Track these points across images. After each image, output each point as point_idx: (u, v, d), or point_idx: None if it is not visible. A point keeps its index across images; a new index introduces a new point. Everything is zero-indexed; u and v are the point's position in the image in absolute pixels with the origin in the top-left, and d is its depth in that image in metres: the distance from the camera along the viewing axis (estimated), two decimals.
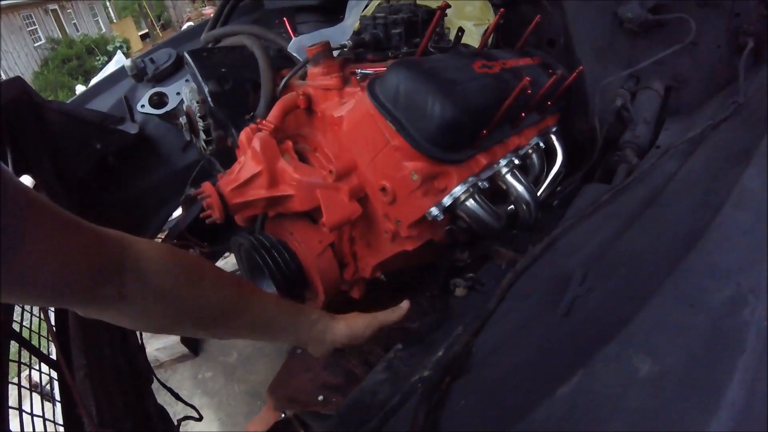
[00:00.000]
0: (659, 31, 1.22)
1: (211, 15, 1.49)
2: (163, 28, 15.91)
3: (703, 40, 1.18)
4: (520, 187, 0.85)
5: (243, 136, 0.93)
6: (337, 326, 0.71)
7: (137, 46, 13.62)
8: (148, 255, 0.54)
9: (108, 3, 19.19)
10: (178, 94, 1.44)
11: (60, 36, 14.07)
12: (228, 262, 2.17)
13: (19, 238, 0.40)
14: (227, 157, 1.10)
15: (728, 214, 0.67)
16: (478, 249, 0.95)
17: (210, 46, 1.37)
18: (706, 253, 0.61)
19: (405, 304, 0.76)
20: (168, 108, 1.45)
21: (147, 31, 16.16)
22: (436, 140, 0.73)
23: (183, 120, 1.19)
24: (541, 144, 0.99)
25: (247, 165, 0.90)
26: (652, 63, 1.18)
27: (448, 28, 1.04)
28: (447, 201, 0.76)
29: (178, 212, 1.72)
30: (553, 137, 1.05)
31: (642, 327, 0.54)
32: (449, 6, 0.85)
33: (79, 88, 6.57)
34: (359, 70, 0.90)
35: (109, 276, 0.50)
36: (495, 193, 0.88)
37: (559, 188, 1.06)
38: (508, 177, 0.85)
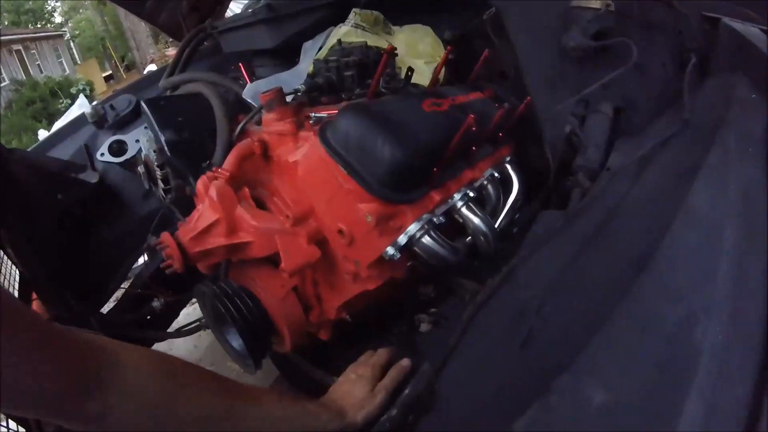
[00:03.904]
0: (605, 56, 1.25)
1: None
2: (127, 69, 15.88)
3: (649, 59, 1.22)
4: (476, 219, 0.87)
5: (200, 184, 0.93)
6: (352, 422, 0.71)
7: (101, 88, 13.54)
8: (131, 365, 0.52)
9: (72, 44, 19.09)
10: (137, 141, 1.43)
11: (24, 77, 13.88)
12: (196, 309, 2.13)
13: None
14: (188, 204, 1.09)
15: (676, 234, 0.67)
16: (441, 282, 0.97)
17: (168, 93, 1.37)
18: (656, 275, 0.62)
19: (405, 362, 0.79)
20: (128, 156, 1.44)
21: (111, 72, 16.09)
22: (388, 182, 0.74)
23: (141, 169, 1.18)
24: (496, 174, 1.01)
25: (204, 214, 0.90)
26: (600, 87, 1.22)
27: (400, 68, 1.07)
28: (402, 240, 0.77)
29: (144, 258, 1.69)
30: (509, 167, 1.08)
31: (595, 355, 0.54)
32: (395, 49, 0.88)
33: (42, 133, 6.46)
34: (313, 114, 0.92)
35: (91, 392, 0.47)
36: (454, 227, 0.90)
37: (518, 216, 1.08)
38: (464, 210, 0.86)
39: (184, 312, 1.65)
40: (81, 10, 21.90)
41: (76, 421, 0.49)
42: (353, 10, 1.21)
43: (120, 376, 0.50)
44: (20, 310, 0.43)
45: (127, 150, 1.46)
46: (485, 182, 0.98)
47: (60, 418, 0.48)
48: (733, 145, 0.87)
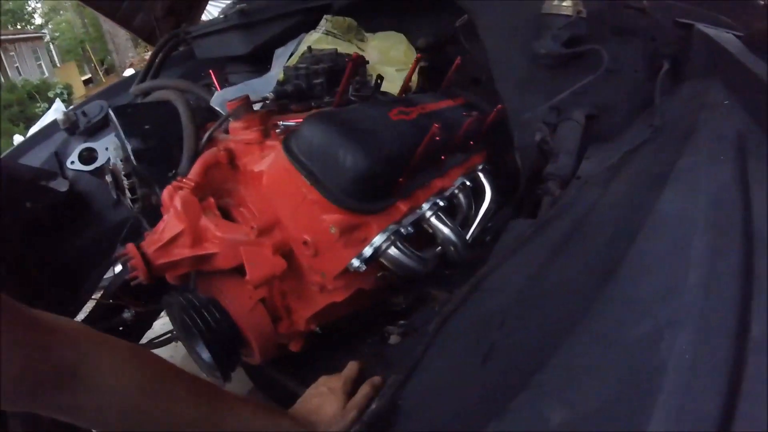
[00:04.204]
0: (577, 63, 1.24)
1: None
2: (107, 73, 15.66)
3: (621, 66, 1.21)
4: (445, 229, 0.86)
5: (165, 194, 0.91)
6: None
7: (80, 91, 13.29)
8: (107, 364, 0.50)
9: (51, 46, 18.81)
10: (107, 149, 1.40)
11: (2, 79, 13.61)
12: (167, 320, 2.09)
13: None
14: (157, 214, 1.07)
15: (643, 243, 0.65)
16: (413, 292, 0.96)
17: (139, 99, 1.35)
18: (622, 286, 0.59)
19: (377, 379, 0.77)
20: (98, 164, 1.41)
21: (90, 76, 15.86)
22: (351, 192, 0.73)
23: (109, 178, 1.16)
24: (468, 183, 1.01)
25: (169, 224, 0.88)
26: (572, 94, 1.21)
27: (371, 75, 1.06)
28: (368, 251, 0.76)
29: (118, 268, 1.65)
30: (481, 174, 1.07)
31: (555, 371, 0.52)
32: (363, 58, 0.87)
33: (17, 138, 6.34)
34: (281, 122, 0.91)
35: (62, 384, 0.47)
36: (425, 236, 0.89)
37: (490, 224, 1.08)
38: (433, 220, 0.86)
39: (159, 323, 1.62)
40: (61, 12, 21.57)
41: (49, 411, 0.48)
42: (325, 16, 1.21)
43: (94, 376, 0.49)
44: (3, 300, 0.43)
45: (97, 158, 1.43)
46: (456, 191, 0.98)
47: (33, 408, 0.47)
48: (705, 151, 0.84)
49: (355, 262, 0.75)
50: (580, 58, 1.24)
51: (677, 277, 0.57)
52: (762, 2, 1.30)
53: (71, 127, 1.60)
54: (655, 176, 0.86)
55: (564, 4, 1.19)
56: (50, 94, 12.26)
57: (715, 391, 0.45)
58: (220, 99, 1.05)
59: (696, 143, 0.88)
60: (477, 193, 1.06)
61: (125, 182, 1.08)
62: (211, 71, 1.21)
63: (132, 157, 1.03)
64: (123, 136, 1.06)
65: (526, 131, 1.20)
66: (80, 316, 1.59)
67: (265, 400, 1.16)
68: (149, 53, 1.66)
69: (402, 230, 0.80)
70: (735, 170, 0.78)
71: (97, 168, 1.42)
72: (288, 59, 1.18)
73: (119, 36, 11.25)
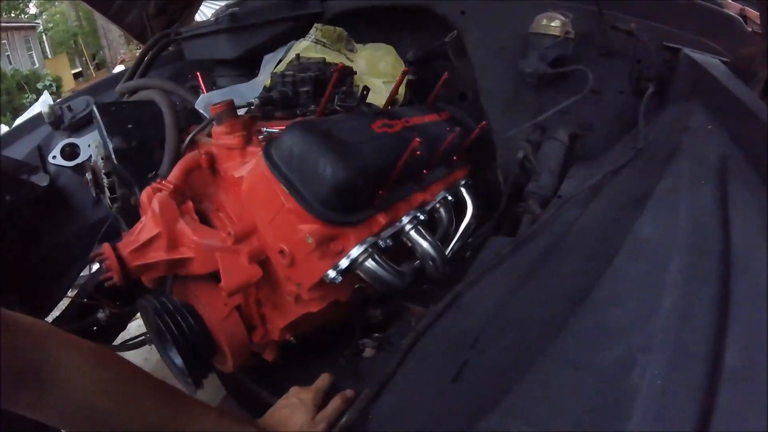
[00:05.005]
0: (563, 82, 1.25)
1: None
2: (98, 67, 15.49)
3: (606, 87, 1.23)
4: (424, 244, 0.86)
5: (144, 195, 0.90)
6: None
7: (69, 84, 13.11)
8: (69, 364, 0.51)
9: (44, 37, 18.60)
10: (89, 146, 1.39)
11: None
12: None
13: None
14: (136, 214, 1.06)
15: (619, 266, 0.64)
16: (390, 306, 0.95)
17: (125, 98, 1.34)
18: (595, 310, 0.58)
19: (349, 392, 0.77)
20: (80, 160, 1.39)
21: (80, 69, 15.70)
22: (330, 203, 0.73)
23: (89, 176, 1.14)
24: (450, 197, 1.01)
25: (146, 226, 0.87)
26: (556, 112, 1.22)
27: (357, 86, 1.07)
28: (344, 263, 0.75)
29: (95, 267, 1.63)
30: (463, 190, 1.08)
31: (525, 393, 0.51)
32: (351, 68, 0.87)
33: (2, 129, 6.24)
34: (265, 129, 0.90)
35: (25, 383, 0.47)
36: (404, 250, 0.89)
37: (470, 239, 1.08)
38: (412, 234, 0.86)
39: (134, 324, 1.60)
40: (57, 3, 21.31)
41: (15, 408, 0.49)
42: (315, 25, 1.21)
43: (57, 376, 0.50)
44: None
45: (79, 154, 1.42)
46: (437, 205, 0.98)
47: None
48: (686, 175, 0.83)
49: (331, 273, 0.75)
50: (566, 78, 1.25)
51: (652, 302, 0.56)
52: (749, 29, 1.31)
53: (56, 121, 1.58)
54: (634, 198, 0.85)
55: (552, 24, 1.20)
56: (39, 86, 12.11)
57: (686, 419, 0.45)
58: (204, 102, 1.04)
59: (677, 166, 0.87)
60: (458, 209, 1.06)
61: (105, 181, 1.07)
62: (198, 73, 1.20)
63: (113, 156, 1.02)
64: (105, 133, 1.05)
65: (510, 148, 1.21)
66: (54, 313, 1.56)
67: (237, 408, 1.14)
68: (141, 50, 1.65)
69: (380, 243, 0.80)
70: (715, 195, 0.77)
71: (78, 164, 1.40)
72: (276, 66, 1.18)
73: (112, 31, 11.14)
